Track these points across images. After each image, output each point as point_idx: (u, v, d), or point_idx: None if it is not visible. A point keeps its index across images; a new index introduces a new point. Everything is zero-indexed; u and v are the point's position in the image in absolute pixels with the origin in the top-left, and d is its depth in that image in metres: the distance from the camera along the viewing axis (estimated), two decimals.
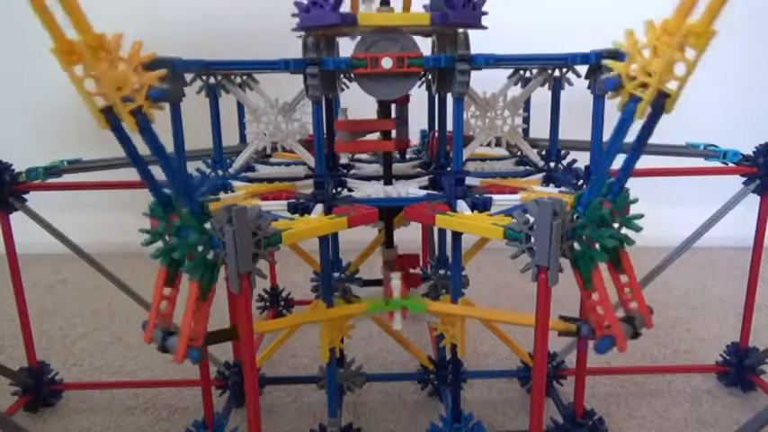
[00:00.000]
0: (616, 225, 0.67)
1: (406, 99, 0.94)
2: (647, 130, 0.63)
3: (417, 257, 0.96)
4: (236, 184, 0.95)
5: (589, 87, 0.84)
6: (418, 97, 1.00)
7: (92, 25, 0.57)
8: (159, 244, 0.68)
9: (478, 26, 0.83)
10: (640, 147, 0.64)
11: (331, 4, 0.77)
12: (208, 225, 0.67)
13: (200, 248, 0.67)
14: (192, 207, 0.66)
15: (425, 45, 0.90)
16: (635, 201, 0.68)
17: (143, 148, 1.08)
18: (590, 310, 0.69)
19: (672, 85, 0.59)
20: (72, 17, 0.56)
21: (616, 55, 0.78)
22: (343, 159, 1.13)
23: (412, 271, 0.94)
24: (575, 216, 0.66)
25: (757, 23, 1.95)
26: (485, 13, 0.83)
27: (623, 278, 0.71)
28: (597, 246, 0.67)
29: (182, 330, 0.68)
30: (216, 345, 1.24)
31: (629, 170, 0.65)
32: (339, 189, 0.94)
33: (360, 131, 0.95)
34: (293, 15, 0.83)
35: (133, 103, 0.60)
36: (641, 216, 0.67)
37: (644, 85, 0.60)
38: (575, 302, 0.83)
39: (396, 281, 0.81)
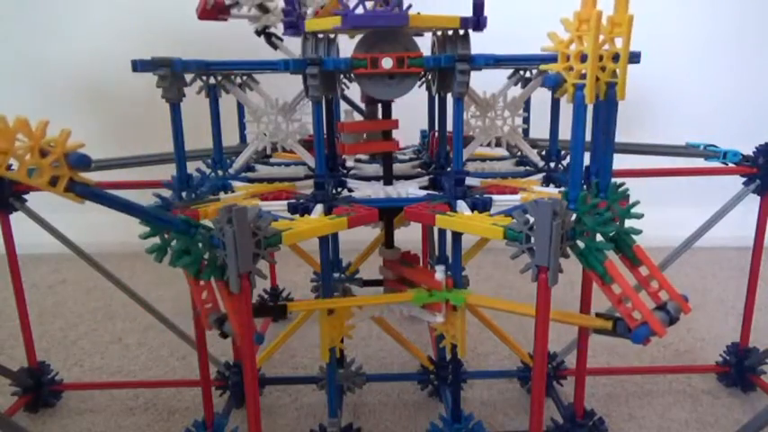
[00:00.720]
0: (612, 216, 0.67)
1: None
2: (609, 120, 0.69)
3: (416, 257, 0.96)
4: (236, 184, 0.96)
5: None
6: (418, 97, 1.00)
7: None
8: (156, 240, 0.69)
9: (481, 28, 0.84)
10: (609, 137, 0.69)
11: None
12: (203, 230, 0.67)
13: (206, 256, 0.67)
14: (177, 228, 0.66)
15: (426, 45, 0.90)
16: (626, 195, 0.68)
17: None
18: (617, 304, 0.68)
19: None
20: None
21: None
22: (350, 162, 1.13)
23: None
24: (573, 216, 0.67)
25: (757, 23, 1.95)
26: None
27: (643, 271, 0.71)
28: (599, 237, 0.67)
29: (234, 326, 0.69)
30: (216, 345, 1.25)
31: (606, 163, 0.67)
32: (339, 189, 0.94)
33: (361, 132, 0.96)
34: (277, 25, 0.83)
35: (62, 180, 0.56)
36: (637, 203, 0.68)
37: (584, 76, 0.67)
38: (575, 303, 0.83)
39: (440, 273, 0.81)
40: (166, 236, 0.68)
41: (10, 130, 0.53)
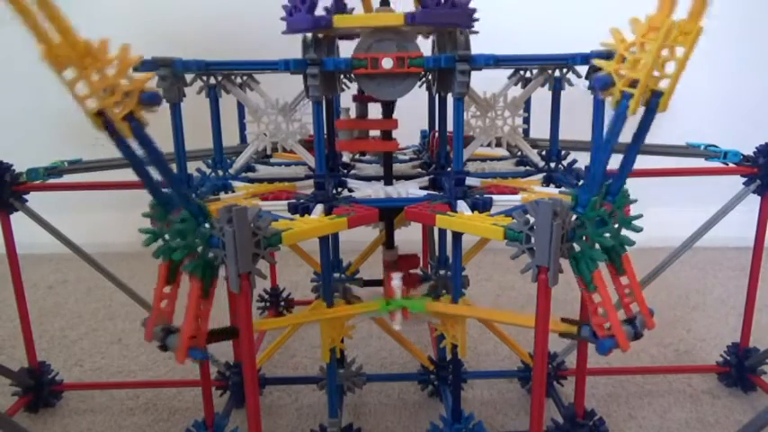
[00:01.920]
0: (615, 225, 0.67)
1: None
2: (643, 129, 0.63)
3: (417, 258, 0.96)
4: (236, 184, 0.96)
5: (589, 87, 0.84)
6: (418, 97, 1.00)
7: (77, 33, 0.56)
8: (159, 243, 0.68)
9: (462, 25, 0.83)
10: (637, 146, 0.64)
11: (306, 8, 0.77)
12: (207, 225, 0.67)
13: (199, 249, 0.67)
14: (190, 208, 0.66)
15: (426, 45, 0.90)
16: (634, 201, 0.68)
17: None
18: (592, 312, 0.69)
19: (664, 85, 0.60)
20: (56, 27, 0.55)
21: (611, 55, 0.78)
22: (345, 158, 1.13)
23: (412, 272, 0.94)
24: (574, 217, 0.66)
25: (757, 23, 1.95)
26: (473, 11, 0.83)
27: (624, 280, 0.71)
28: (597, 245, 0.67)
29: (183, 329, 0.68)
30: (216, 345, 1.25)
31: (627, 170, 0.65)
32: (339, 189, 0.94)
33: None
34: (282, 19, 0.83)
35: (126, 108, 0.60)
36: (640, 216, 0.67)
37: (634, 83, 0.61)
38: (575, 303, 0.83)
39: (396, 281, 0.81)
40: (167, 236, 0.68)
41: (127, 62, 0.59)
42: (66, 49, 0.55)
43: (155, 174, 0.65)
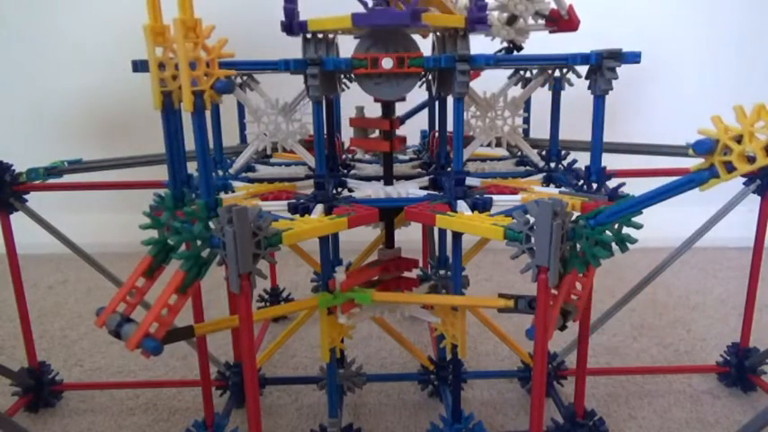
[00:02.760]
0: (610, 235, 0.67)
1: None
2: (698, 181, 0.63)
3: (415, 261, 0.96)
4: (236, 184, 0.96)
5: (589, 87, 0.84)
6: (418, 97, 1.00)
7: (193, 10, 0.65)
8: (155, 234, 0.69)
9: (409, 25, 0.83)
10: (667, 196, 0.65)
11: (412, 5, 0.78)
12: (212, 224, 0.67)
13: (198, 242, 0.67)
14: (209, 201, 0.67)
15: (426, 45, 0.90)
16: (640, 226, 0.67)
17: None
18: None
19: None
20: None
21: (617, 55, 0.78)
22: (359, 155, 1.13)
23: (408, 274, 0.94)
24: (579, 221, 0.66)
25: (758, 23, 1.95)
26: (423, 10, 0.82)
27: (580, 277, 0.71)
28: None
29: (147, 316, 0.67)
30: (216, 345, 1.25)
31: (644, 203, 0.65)
32: (339, 189, 0.94)
33: (372, 129, 0.96)
34: (282, 22, 0.83)
35: (200, 87, 0.67)
36: (635, 241, 0.67)
37: (730, 164, 0.58)
38: None
39: (340, 274, 0.82)
40: (166, 231, 0.68)
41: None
42: (176, 21, 0.66)
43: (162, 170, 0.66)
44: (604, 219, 0.65)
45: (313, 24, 0.80)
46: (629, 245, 0.66)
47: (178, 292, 0.69)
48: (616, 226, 0.67)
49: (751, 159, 0.57)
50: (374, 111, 0.97)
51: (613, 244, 0.66)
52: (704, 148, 0.59)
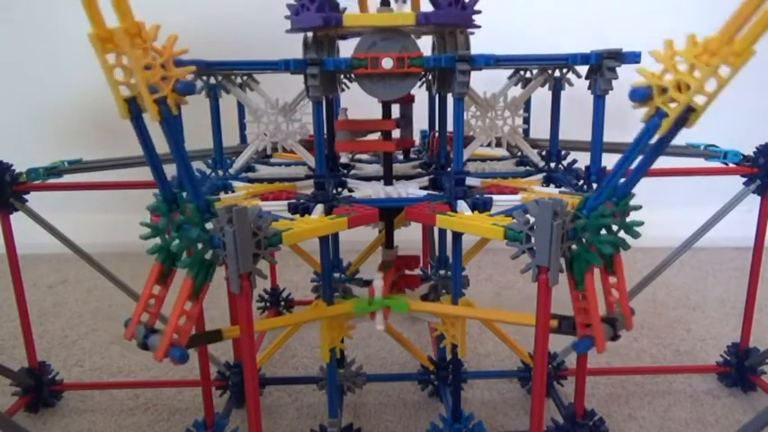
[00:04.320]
0: (615, 228, 0.67)
1: (410, 99, 0.94)
2: (666, 140, 0.62)
3: (417, 258, 0.96)
4: (236, 184, 0.96)
5: (589, 87, 0.84)
6: (418, 97, 1.00)
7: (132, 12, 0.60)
8: (157, 240, 0.68)
9: (468, 26, 0.83)
10: (656, 154, 0.63)
11: (315, 6, 0.77)
12: (210, 225, 0.67)
13: (199, 246, 0.67)
14: (199, 204, 0.66)
15: (426, 45, 0.90)
16: (639, 207, 0.67)
17: (156, 149, 1.08)
18: (578, 311, 0.69)
19: (700, 100, 0.58)
20: (115, 3, 0.58)
21: (617, 55, 0.78)
22: (344, 159, 1.13)
23: (409, 272, 0.94)
24: (576, 217, 0.66)
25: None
26: (477, 12, 0.83)
27: (612, 279, 0.71)
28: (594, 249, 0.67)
29: (167, 327, 0.68)
30: (216, 345, 1.25)
31: (639, 177, 0.65)
32: (339, 189, 0.94)
33: (360, 131, 0.96)
34: (286, 17, 0.83)
35: (158, 93, 0.62)
36: (642, 223, 0.67)
37: (672, 100, 0.59)
38: None
39: (377, 281, 0.81)
40: (167, 236, 0.68)
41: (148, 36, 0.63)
42: (118, 30, 0.60)
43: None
44: (593, 202, 0.66)
45: (349, 20, 0.80)
46: (629, 243, 0.66)
47: (191, 298, 0.68)
48: (616, 228, 0.67)
49: (685, 87, 0.58)
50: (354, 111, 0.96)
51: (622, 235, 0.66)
52: (639, 95, 0.61)
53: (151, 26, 0.62)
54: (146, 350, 0.71)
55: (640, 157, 0.65)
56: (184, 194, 0.69)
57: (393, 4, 0.85)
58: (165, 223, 0.67)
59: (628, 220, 0.67)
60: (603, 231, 0.66)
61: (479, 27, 0.87)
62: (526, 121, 1.04)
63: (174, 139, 0.65)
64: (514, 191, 0.87)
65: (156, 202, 0.68)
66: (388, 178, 0.93)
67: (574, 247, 0.67)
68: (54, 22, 1.99)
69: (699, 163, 1.05)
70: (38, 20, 2.01)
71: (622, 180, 0.66)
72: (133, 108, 0.64)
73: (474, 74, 0.79)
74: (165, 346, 0.67)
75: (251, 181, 0.99)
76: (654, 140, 0.63)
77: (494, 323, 1.09)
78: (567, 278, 0.69)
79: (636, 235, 0.66)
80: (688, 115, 0.59)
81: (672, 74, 0.58)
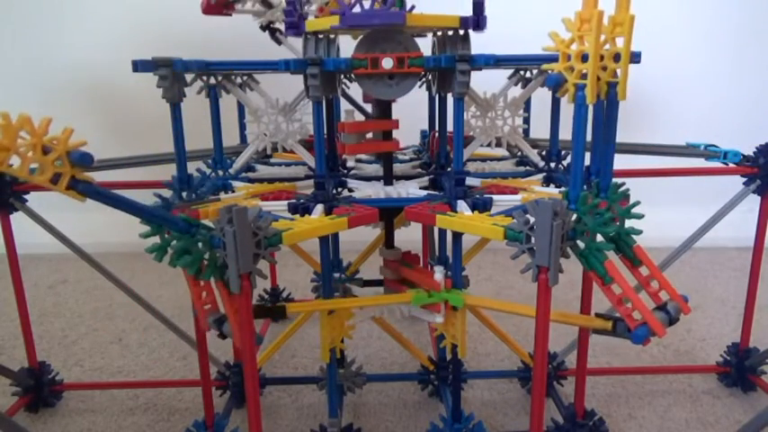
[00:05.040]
0: (613, 217, 0.67)
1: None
2: (611, 120, 0.69)
3: (417, 258, 0.96)
4: (236, 184, 0.96)
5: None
6: (418, 97, 1.00)
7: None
8: (156, 239, 0.69)
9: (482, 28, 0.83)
10: (610, 138, 0.68)
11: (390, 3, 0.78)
12: (204, 230, 0.67)
13: (206, 256, 0.67)
14: (178, 228, 0.66)
15: (426, 45, 0.90)
16: (626, 194, 0.68)
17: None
18: (617, 304, 0.68)
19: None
20: None
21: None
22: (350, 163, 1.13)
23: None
24: (574, 216, 0.66)
25: (757, 23, 1.95)
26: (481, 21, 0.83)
27: (643, 271, 0.71)
28: (600, 237, 0.67)
29: (233, 328, 0.69)
30: (216, 345, 1.24)
31: (607, 165, 0.67)
32: (339, 189, 0.94)
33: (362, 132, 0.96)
34: (282, 21, 0.83)
35: (64, 178, 0.56)
36: (638, 203, 0.68)
37: (585, 76, 0.66)
38: (575, 303, 0.83)
39: (439, 274, 0.81)
40: (167, 235, 0.68)
41: (12, 127, 0.54)
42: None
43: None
44: (573, 195, 0.68)
45: (310, 25, 0.80)
46: (636, 219, 0.67)
47: (230, 294, 0.68)
48: (618, 222, 0.67)
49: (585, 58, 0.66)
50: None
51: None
52: (553, 80, 0.69)
53: (41, 121, 0.55)
54: (225, 339, 0.72)
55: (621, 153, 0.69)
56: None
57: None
58: (165, 239, 0.68)
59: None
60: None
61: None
62: (526, 121, 1.04)
63: (121, 203, 0.61)
64: (514, 191, 0.87)
65: (150, 227, 0.68)
66: (388, 178, 0.93)
67: (581, 244, 0.67)
68: (55, 22, 1.99)
69: (699, 163, 1.05)
70: (39, 20, 2.00)
71: (595, 177, 0.68)
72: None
73: (474, 74, 0.79)
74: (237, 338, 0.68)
75: (251, 181, 0.99)
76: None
77: (493, 323, 1.09)
78: (594, 279, 0.69)
79: (638, 216, 0.67)
80: (614, 90, 0.68)
81: (570, 52, 0.67)
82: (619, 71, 0.67)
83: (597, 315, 0.75)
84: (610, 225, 0.66)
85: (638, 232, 0.68)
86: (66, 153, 0.56)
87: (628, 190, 0.70)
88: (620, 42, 0.66)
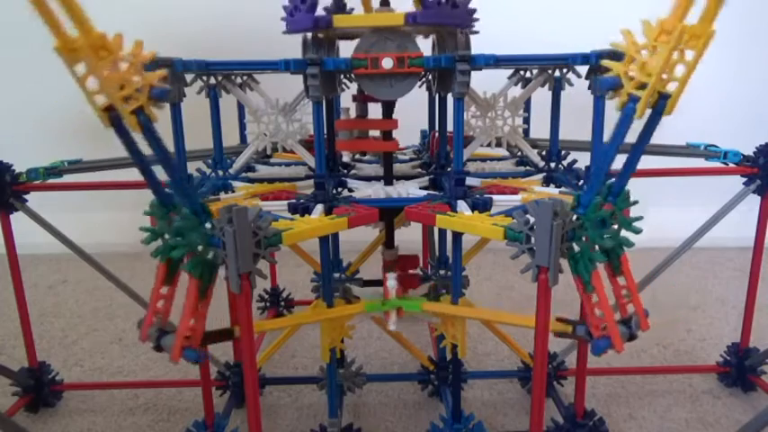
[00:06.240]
0: (615, 227, 0.67)
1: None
2: (648, 131, 0.63)
3: (417, 258, 0.96)
4: (236, 184, 0.96)
5: (589, 87, 0.84)
6: (419, 97, 1.00)
7: (93, 25, 0.57)
8: (159, 242, 0.68)
9: (464, 26, 0.83)
10: (641, 148, 0.64)
11: (306, 8, 0.78)
12: (209, 225, 0.67)
13: (199, 248, 0.67)
14: (193, 207, 0.66)
15: (426, 45, 0.90)
16: (635, 203, 0.68)
17: (146, 147, 1.08)
18: (589, 313, 0.69)
19: (672, 87, 0.60)
20: (73, 17, 0.55)
21: (616, 55, 0.78)
22: (345, 158, 1.13)
23: (411, 272, 0.94)
24: (575, 217, 0.66)
25: (758, 23, 1.95)
26: (474, 15, 0.83)
27: (621, 281, 0.71)
28: (596, 247, 0.67)
29: (179, 329, 0.68)
30: (216, 345, 1.24)
31: (629, 171, 0.65)
32: (339, 189, 0.94)
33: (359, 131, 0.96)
34: (282, 19, 0.83)
35: (135, 102, 0.60)
36: (641, 218, 0.67)
37: (643, 86, 0.60)
38: (575, 303, 0.82)
39: (392, 281, 0.81)
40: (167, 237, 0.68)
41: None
42: (80, 42, 0.56)
43: (158, 173, 0.65)
44: (585, 199, 0.66)
45: (339, 21, 0.80)
46: (634, 233, 0.66)
47: (199, 298, 0.68)
48: (616, 226, 0.67)
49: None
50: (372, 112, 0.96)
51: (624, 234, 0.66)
52: (607, 83, 0.63)
53: (115, 35, 0.59)
54: (160, 352, 0.71)
55: (628, 154, 0.65)
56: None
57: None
58: (163, 226, 0.67)
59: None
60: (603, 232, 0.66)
61: (475, 30, 0.86)
62: (526, 121, 1.04)
63: (158, 147, 0.63)
64: (514, 191, 0.87)
65: (152, 206, 0.68)
66: (388, 178, 0.93)
67: (576, 247, 0.67)
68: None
69: (699, 163, 1.05)
70: (38, 20, 2.00)
71: (613, 180, 0.67)
72: (114, 116, 0.61)
73: (474, 74, 0.79)
74: (178, 348, 0.68)
75: (251, 181, 0.99)
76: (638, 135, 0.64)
77: (494, 323, 1.09)
78: (575, 282, 0.69)
79: (636, 230, 0.66)
80: (664, 102, 0.60)
81: (636, 59, 0.61)
82: (674, 84, 0.61)
83: (558, 319, 0.75)
84: (611, 240, 0.65)
85: (631, 244, 0.67)
86: (150, 85, 0.61)
87: (634, 201, 0.69)
88: (689, 55, 0.59)
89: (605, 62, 0.64)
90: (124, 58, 0.60)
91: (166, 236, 0.68)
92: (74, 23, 0.56)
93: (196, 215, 0.66)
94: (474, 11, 0.84)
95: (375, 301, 0.81)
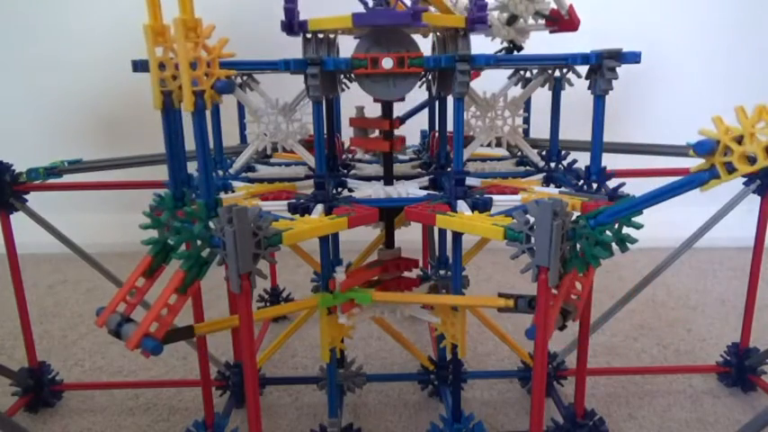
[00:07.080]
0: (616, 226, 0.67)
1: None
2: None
3: (416, 261, 0.96)
4: (236, 184, 0.96)
5: (589, 87, 0.84)
6: (418, 97, 1.00)
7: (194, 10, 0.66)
8: (155, 233, 0.69)
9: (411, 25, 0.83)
10: (673, 195, 0.66)
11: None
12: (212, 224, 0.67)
13: (198, 242, 0.67)
14: (209, 201, 0.67)
15: (426, 45, 0.90)
16: (641, 226, 0.67)
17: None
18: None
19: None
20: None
21: (617, 55, 0.78)
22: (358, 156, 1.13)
23: (408, 273, 0.94)
24: (579, 221, 0.66)
25: (758, 22, 1.95)
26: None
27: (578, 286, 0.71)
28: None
29: (147, 315, 0.67)
30: (216, 345, 1.25)
31: (647, 205, 0.65)
32: (339, 189, 0.94)
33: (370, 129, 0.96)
34: (282, 21, 0.83)
35: (200, 87, 0.68)
36: (636, 241, 0.67)
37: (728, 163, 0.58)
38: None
39: (339, 274, 0.82)
40: (166, 231, 0.68)
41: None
42: (176, 21, 0.66)
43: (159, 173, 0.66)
44: (605, 219, 0.65)
45: (314, 24, 0.80)
46: (629, 245, 0.66)
47: (178, 292, 0.69)
48: (616, 226, 0.67)
49: (751, 160, 0.56)
50: (374, 110, 0.97)
51: (613, 244, 0.66)
52: (705, 148, 0.59)
53: (208, 25, 0.69)
54: (117, 338, 0.69)
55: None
56: (193, 195, 0.69)
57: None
58: (167, 218, 0.68)
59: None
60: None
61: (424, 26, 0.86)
62: (526, 121, 1.04)
63: (201, 132, 0.69)
64: (514, 191, 0.87)
65: (165, 196, 0.69)
66: (388, 178, 0.93)
67: (578, 247, 0.67)
68: (55, 22, 1.99)
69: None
70: (38, 20, 2.01)
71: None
72: (167, 102, 0.70)
73: None
74: (139, 335, 0.66)
75: (251, 181, 0.99)
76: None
77: (493, 323, 1.09)
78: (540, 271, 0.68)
79: (624, 249, 0.66)
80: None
81: (747, 140, 0.56)
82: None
83: (500, 294, 0.76)
84: (603, 256, 0.66)
85: (610, 256, 0.67)
86: (215, 78, 0.70)
87: (640, 225, 0.69)
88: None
89: (704, 130, 0.59)
90: (206, 46, 0.68)
91: (165, 230, 0.68)
92: (179, 3, 0.67)
93: (208, 209, 0.67)
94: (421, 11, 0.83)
95: (327, 295, 0.82)
